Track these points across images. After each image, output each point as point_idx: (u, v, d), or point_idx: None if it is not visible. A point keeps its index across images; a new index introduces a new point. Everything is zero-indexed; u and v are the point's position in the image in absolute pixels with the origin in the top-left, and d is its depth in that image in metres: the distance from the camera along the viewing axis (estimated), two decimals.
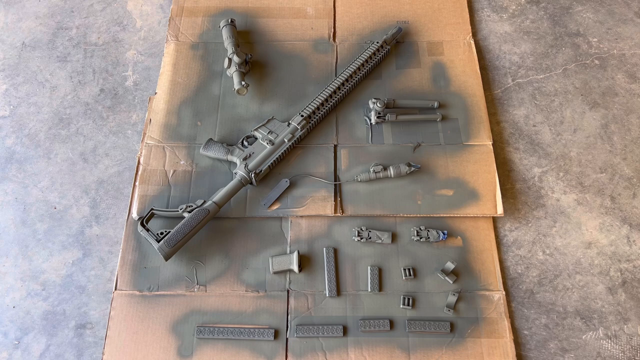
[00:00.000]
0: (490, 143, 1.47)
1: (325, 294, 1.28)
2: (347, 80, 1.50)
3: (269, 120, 1.45)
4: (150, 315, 1.25)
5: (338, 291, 1.29)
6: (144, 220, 1.30)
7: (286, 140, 1.41)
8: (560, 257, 1.37)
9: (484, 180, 1.40)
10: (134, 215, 1.36)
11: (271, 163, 1.39)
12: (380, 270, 1.31)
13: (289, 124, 1.44)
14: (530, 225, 1.41)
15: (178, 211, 1.30)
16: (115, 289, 1.28)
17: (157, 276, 1.30)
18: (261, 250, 1.34)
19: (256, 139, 1.42)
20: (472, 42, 1.65)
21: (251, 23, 1.70)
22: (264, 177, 1.40)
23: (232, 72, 1.51)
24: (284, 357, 1.21)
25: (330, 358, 1.21)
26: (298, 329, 1.23)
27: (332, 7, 1.72)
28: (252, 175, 1.34)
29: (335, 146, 1.47)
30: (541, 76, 1.65)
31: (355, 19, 1.70)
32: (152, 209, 1.31)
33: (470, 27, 1.69)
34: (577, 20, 1.75)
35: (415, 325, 1.24)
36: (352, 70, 1.51)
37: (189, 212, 1.28)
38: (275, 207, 1.37)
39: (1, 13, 1.78)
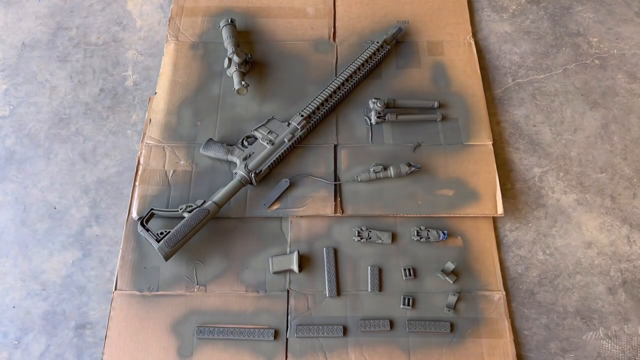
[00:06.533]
0: (491, 143, 1.47)
1: (325, 294, 1.28)
2: (347, 80, 1.50)
3: (269, 120, 1.45)
4: (150, 315, 1.25)
5: (338, 291, 1.28)
6: (144, 220, 1.29)
7: (286, 140, 1.41)
8: (561, 257, 1.37)
9: (484, 180, 1.40)
10: (134, 215, 1.36)
11: (271, 163, 1.38)
12: (380, 270, 1.31)
13: (289, 124, 1.43)
14: (530, 225, 1.41)
15: (178, 211, 1.30)
16: (115, 289, 1.28)
17: (157, 276, 1.30)
18: (261, 250, 1.33)
19: (256, 139, 1.42)
20: (472, 42, 1.65)
21: (251, 23, 1.69)
22: (264, 177, 1.39)
23: (232, 72, 1.51)
24: (284, 358, 1.21)
25: (330, 358, 1.21)
26: (298, 329, 1.23)
27: (332, 7, 1.72)
28: (252, 175, 1.34)
29: (335, 146, 1.47)
30: (541, 76, 1.64)
31: (355, 19, 1.70)
32: (152, 209, 1.31)
33: (470, 27, 1.69)
34: (577, 20, 1.75)
35: (415, 326, 1.24)
36: (352, 70, 1.51)
37: (189, 212, 1.28)
38: (275, 207, 1.37)
39: (1, 13, 1.78)
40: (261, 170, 1.36)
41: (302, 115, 1.43)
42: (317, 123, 1.47)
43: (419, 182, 1.40)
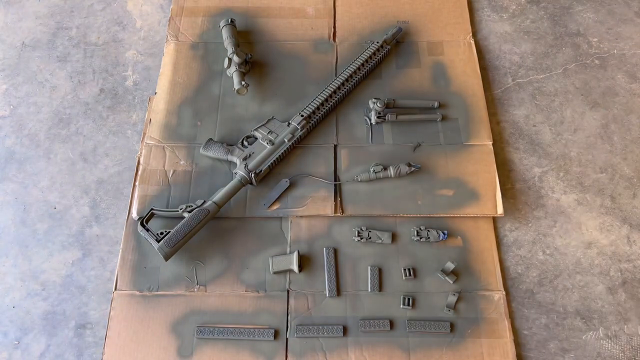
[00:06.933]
0: (491, 143, 1.47)
1: (325, 294, 1.28)
2: (347, 80, 1.50)
3: (269, 120, 1.45)
4: (150, 315, 1.25)
5: (338, 291, 1.29)
6: (144, 220, 1.30)
7: (286, 140, 1.41)
8: (560, 257, 1.37)
9: (484, 180, 1.40)
10: (134, 215, 1.36)
11: (271, 163, 1.38)
12: (380, 270, 1.31)
13: (289, 124, 1.44)
14: (530, 225, 1.41)
15: (178, 211, 1.30)
16: (115, 289, 1.28)
17: (157, 276, 1.30)
18: (261, 250, 1.33)
19: (256, 139, 1.42)
20: (472, 42, 1.65)
21: (251, 23, 1.69)
22: (264, 177, 1.39)
23: (232, 72, 1.51)
24: (284, 357, 1.21)
25: (330, 358, 1.21)
26: (298, 329, 1.23)
27: (332, 7, 1.72)
28: (252, 175, 1.34)
29: (335, 146, 1.47)
30: (541, 76, 1.64)
31: (355, 19, 1.70)
32: (152, 209, 1.31)
33: (470, 27, 1.69)
34: (577, 20, 1.75)
35: (415, 326, 1.24)
36: (352, 70, 1.51)
37: (189, 212, 1.28)
38: (275, 207, 1.37)
39: (1, 13, 1.78)
40: (261, 170, 1.36)
41: (302, 115, 1.43)
42: (317, 123, 1.47)
43: (419, 182, 1.40)
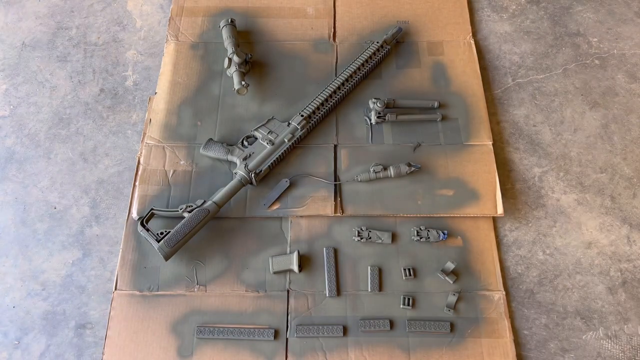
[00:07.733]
0: (491, 143, 1.47)
1: (325, 294, 1.28)
2: (347, 80, 1.50)
3: (269, 120, 1.45)
4: (150, 315, 1.25)
5: (338, 291, 1.29)
6: (144, 220, 1.30)
7: (286, 140, 1.41)
8: (560, 257, 1.37)
9: (484, 180, 1.40)
10: (134, 215, 1.36)
11: (271, 163, 1.39)
12: (380, 270, 1.31)
13: (289, 124, 1.44)
14: (530, 225, 1.41)
15: (178, 211, 1.30)
16: (115, 289, 1.28)
17: (157, 276, 1.30)
18: (261, 250, 1.33)
19: (256, 139, 1.42)
20: (472, 42, 1.65)
21: (251, 23, 1.69)
22: (264, 177, 1.39)
23: (232, 72, 1.51)
24: (284, 357, 1.21)
25: (330, 358, 1.21)
26: (298, 329, 1.23)
27: (332, 7, 1.72)
28: (252, 175, 1.34)
29: (335, 146, 1.47)
30: (541, 76, 1.65)
31: (356, 19, 1.70)
32: (152, 209, 1.31)
33: (470, 27, 1.69)
34: (577, 20, 1.75)
35: (415, 325, 1.24)
36: (352, 70, 1.51)
37: (189, 212, 1.28)
38: (275, 207, 1.37)
39: (1, 13, 1.78)
40: (261, 170, 1.36)
41: (302, 115, 1.43)
42: (317, 123, 1.47)
43: (419, 182, 1.40)
